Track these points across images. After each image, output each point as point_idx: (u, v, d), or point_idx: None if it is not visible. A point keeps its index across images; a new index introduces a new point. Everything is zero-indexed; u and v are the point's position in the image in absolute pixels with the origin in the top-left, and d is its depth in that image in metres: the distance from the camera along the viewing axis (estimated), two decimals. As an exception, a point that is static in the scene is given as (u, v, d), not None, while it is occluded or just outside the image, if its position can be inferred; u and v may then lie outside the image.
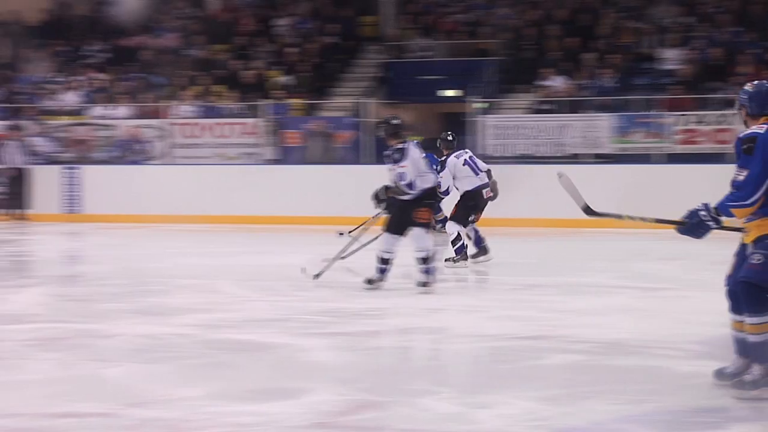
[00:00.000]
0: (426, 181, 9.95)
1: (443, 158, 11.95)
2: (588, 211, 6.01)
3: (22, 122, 20.76)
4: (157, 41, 23.04)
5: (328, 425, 5.33)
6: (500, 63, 20.61)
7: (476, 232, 12.15)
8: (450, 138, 12.19)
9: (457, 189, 11.93)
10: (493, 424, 5.35)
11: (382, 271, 9.95)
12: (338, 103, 21.04)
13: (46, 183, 19.53)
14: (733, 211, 5.57)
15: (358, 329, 8.28)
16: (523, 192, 15.91)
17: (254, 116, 19.95)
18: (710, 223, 5.66)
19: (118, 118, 20.95)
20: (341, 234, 10.96)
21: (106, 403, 5.76)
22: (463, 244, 11.82)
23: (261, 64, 21.85)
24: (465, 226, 11.88)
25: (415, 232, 9.90)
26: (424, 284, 9.90)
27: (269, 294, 9.95)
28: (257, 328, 8.19)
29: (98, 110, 21.30)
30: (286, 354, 7.19)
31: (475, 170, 11.97)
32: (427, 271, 9.93)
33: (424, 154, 10.10)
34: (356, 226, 11.08)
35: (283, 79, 21.36)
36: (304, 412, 5.52)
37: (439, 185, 10.68)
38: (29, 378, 6.47)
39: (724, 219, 5.67)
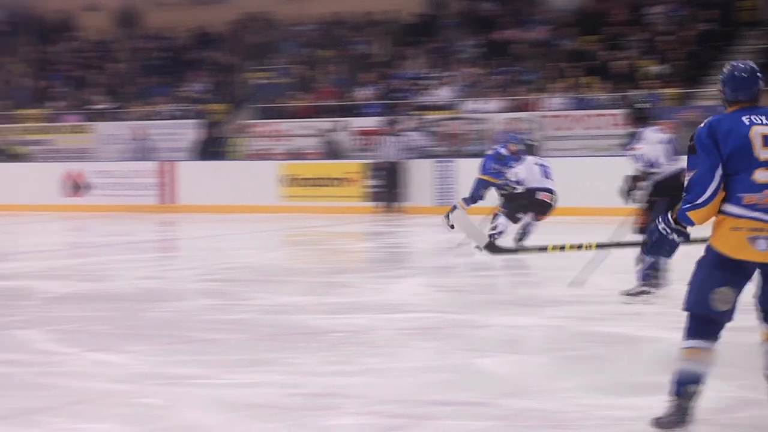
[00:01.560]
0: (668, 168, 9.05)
1: None
2: (490, 247, 5.44)
3: (398, 118, 21.43)
4: (529, 34, 23.15)
5: (709, 422, 5.12)
6: None
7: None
8: None
9: None
10: None
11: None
12: (712, 92, 20.35)
13: (420, 176, 20.06)
14: (690, 215, 4.73)
15: (734, 324, 7.96)
16: None
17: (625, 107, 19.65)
18: (672, 236, 4.81)
19: (490, 112, 21.23)
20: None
21: (481, 392, 5.81)
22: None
23: (633, 54, 21.49)
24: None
25: None
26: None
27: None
28: (629, 321, 8.03)
29: (470, 104, 21.68)
30: (660, 348, 6.99)
31: None
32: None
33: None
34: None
35: (655, 68, 20.92)
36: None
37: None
38: (406, 366, 6.63)
39: (690, 229, 4.83)
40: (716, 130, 4.75)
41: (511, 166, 12.70)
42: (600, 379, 6.08)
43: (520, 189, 12.39)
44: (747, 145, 4.67)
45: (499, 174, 12.91)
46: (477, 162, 19.96)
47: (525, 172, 12.43)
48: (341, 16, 25.66)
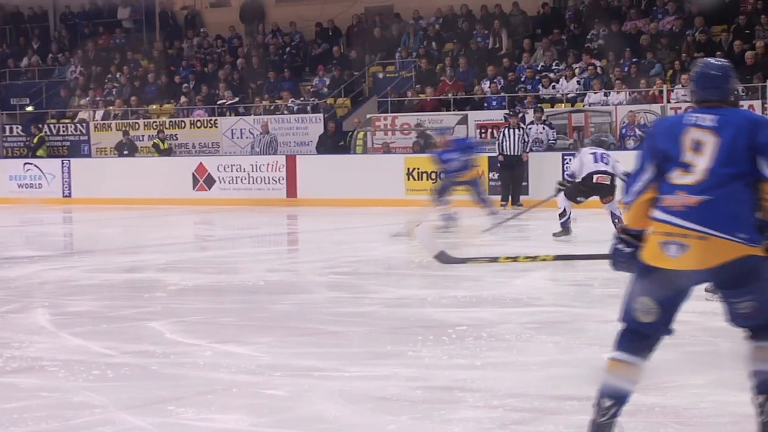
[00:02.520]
0: None
1: None
2: (441, 257, 5.17)
3: (521, 111, 21.28)
4: (655, 25, 22.77)
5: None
6: None
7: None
8: None
9: None
10: None
11: None
12: None
13: (543, 170, 19.88)
14: (624, 217, 4.31)
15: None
16: None
17: (758, 98, 19.21)
18: (620, 246, 4.42)
19: (616, 104, 20.96)
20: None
21: (607, 387, 5.73)
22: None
23: (764, 44, 20.98)
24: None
25: None
26: None
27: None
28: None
29: (595, 96, 21.43)
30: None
31: None
32: None
33: None
34: None
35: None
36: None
37: None
38: (531, 360, 6.58)
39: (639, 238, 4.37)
40: (657, 127, 4.53)
41: (444, 160, 14.83)
42: (728, 375, 5.94)
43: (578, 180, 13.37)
44: (675, 146, 4.32)
45: (444, 171, 14.96)
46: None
47: (576, 165, 13.48)
48: (465, 9, 25.58)
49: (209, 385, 5.98)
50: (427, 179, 20.89)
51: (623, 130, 20.26)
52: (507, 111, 21.23)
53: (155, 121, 25.67)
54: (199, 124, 24.96)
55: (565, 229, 13.51)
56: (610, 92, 21.41)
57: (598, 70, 22.11)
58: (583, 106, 21.54)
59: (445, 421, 5.15)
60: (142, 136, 25.51)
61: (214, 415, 5.32)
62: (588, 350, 6.84)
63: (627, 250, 4.43)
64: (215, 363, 6.54)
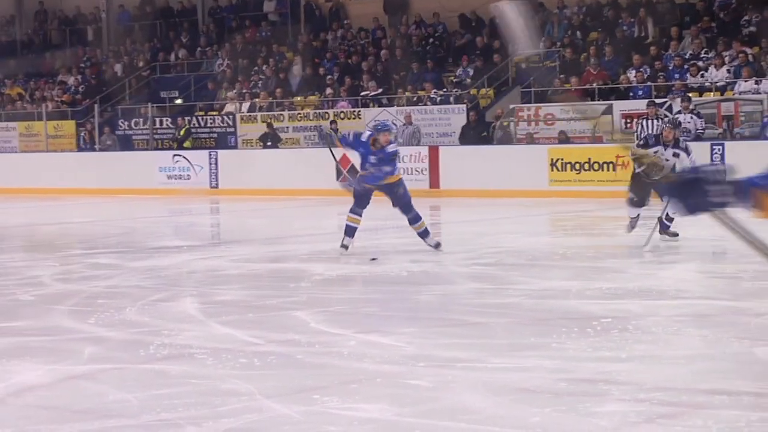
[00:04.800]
0: None
1: None
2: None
3: (664, 100, 20.87)
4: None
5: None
6: None
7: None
8: None
9: None
10: None
11: None
12: None
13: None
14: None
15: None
16: None
17: None
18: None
19: (767, 93, 20.42)
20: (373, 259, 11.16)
21: (760, 382, 5.60)
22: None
23: None
24: None
25: None
26: None
27: None
28: None
29: (745, 85, 20.91)
30: None
31: None
32: None
33: None
34: None
35: None
36: None
37: None
38: (679, 353, 6.45)
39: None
40: None
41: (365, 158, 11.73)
42: None
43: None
44: None
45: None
46: (750, 144, 19.40)
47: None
48: (610, -3, 25.25)
49: (353, 374, 6.02)
50: (571, 170, 20.71)
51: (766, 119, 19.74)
52: (650, 101, 20.87)
53: (299, 113, 25.96)
54: (342, 115, 25.16)
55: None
56: (761, 80, 20.85)
57: (750, 57, 21.55)
58: (733, 94, 21.03)
59: (590, 414, 5.08)
60: (287, 127, 25.84)
61: (358, 404, 5.35)
62: (738, 344, 6.68)
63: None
64: (359, 353, 6.58)
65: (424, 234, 11.89)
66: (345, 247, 11.70)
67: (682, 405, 5.26)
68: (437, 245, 11.81)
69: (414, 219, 11.85)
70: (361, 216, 11.82)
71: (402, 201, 11.81)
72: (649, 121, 19.88)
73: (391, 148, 11.66)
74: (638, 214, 12.37)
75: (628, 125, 21.44)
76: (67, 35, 34.12)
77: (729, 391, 5.39)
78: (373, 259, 11.32)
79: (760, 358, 6.28)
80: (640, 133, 19.83)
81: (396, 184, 11.76)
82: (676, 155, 11.84)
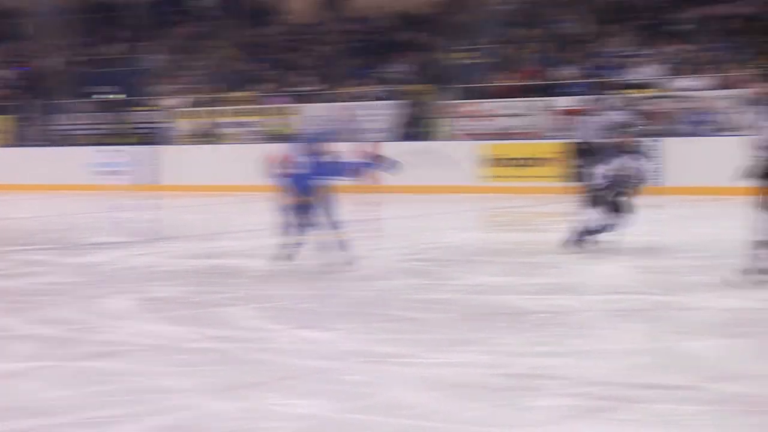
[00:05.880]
0: None
1: None
2: None
3: (599, 97, 21.06)
4: (742, 9, 22.39)
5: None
6: None
7: None
8: None
9: None
10: None
11: None
12: None
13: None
14: None
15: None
16: None
17: None
18: None
19: (699, 90, 20.67)
20: None
21: (689, 376, 5.69)
22: None
23: None
24: None
25: None
26: None
27: None
28: None
29: (680, 82, 21.15)
30: None
31: None
32: None
33: None
34: None
35: None
36: None
37: None
38: (612, 348, 6.54)
39: None
40: None
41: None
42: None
43: None
44: None
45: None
46: (684, 141, 19.64)
47: None
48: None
49: (290, 370, 6.03)
50: (508, 166, 20.85)
51: (701, 116, 19.99)
52: (585, 97, 21.03)
53: (236, 108, 25.86)
54: (278, 111, 25.09)
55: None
56: (695, 77, 21.10)
57: (684, 55, 21.78)
58: (666, 91, 21.26)
59: (525, 409, 5.14)
60: (225, 123, 25.73)
61: (295, 400, 5.36)
62: (670, 338, 6.77)
63: None
64: (296, 349, 6.60)
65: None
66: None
67: (615, 399, 5.32)
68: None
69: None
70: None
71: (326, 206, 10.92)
72: (586, 117, 20.03)
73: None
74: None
75: (564, 122, 21.58)
76: (1, 29, 33.68)
77: (660, 384, 5.48)
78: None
79: (689, 352, 6.37)
80: (578, 129, 19.97)
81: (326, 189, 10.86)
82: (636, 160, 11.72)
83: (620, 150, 11.86)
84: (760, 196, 8.88)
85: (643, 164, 11.83)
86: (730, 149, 18.54)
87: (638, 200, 11.51)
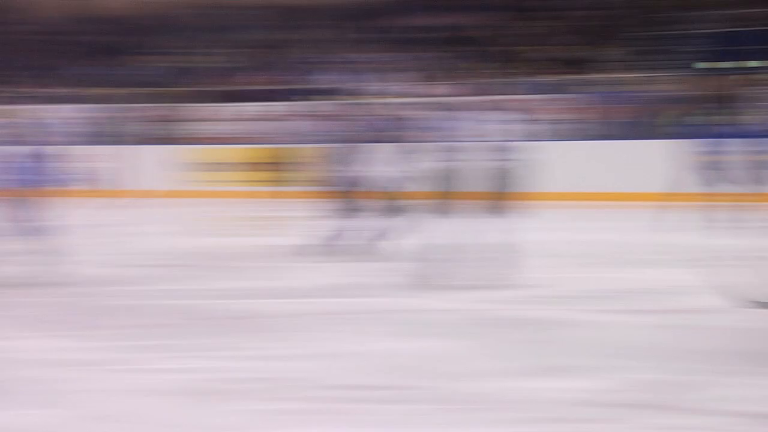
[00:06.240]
0: None
1: None
2: None
3: (284, 104, 21.20)
4: (446, 20, 23.02)
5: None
6: None
7: None
8: None
9: None
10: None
11: None
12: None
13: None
14: None
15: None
16: None
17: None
18: None
19: (385, 96, 21.11)
20: None
21: (403, 376, 5.85)
22: None
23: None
24: None
25: None
26: None
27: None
28: (551, 305, 8.16)
29: (366, 88, 21.49)
30: (578, 331, 7.12)
31: None
32: None
33: None
34: None
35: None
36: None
37: None
38: (327, 350, 6.59)
39: None
40: None
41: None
42: (521, 363, 6.17)
43: None
44: None
45: None
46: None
47: None
48: (225, 1, 25.28)
49: (1, 379, 5.85)
50: (209, 171, 20.76)
51: (381, 123, 20.45)
52: (269, 104, 21.12)
53: None
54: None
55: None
56: (383, 84, 21.51)
57: (370, 63, 22.17)
58: (349, 98, 21.50)
59: (237, 413, 5.12)
60: None
61: (6, 410, 5.19)
62: (385, 340, 6.91)
63: None
64: (8, 357, 6.40)
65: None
66: None
67: (325, 401, 5.35)
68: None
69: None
70: None
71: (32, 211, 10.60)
72: (273, 123, 20.21)
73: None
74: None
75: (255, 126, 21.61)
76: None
77: (373, 385, 5.61)
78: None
79: (402, 352, 6.54)
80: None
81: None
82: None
83: (365, 154, 11.91)
84: (443, 201, 9.25)
85: (395, 169, 11.77)
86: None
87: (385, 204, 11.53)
